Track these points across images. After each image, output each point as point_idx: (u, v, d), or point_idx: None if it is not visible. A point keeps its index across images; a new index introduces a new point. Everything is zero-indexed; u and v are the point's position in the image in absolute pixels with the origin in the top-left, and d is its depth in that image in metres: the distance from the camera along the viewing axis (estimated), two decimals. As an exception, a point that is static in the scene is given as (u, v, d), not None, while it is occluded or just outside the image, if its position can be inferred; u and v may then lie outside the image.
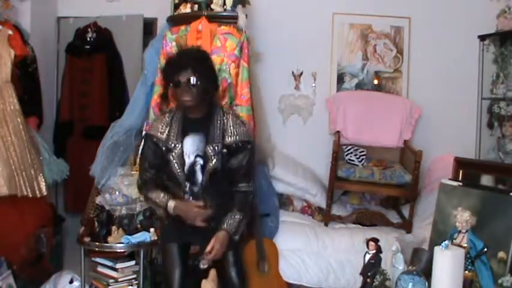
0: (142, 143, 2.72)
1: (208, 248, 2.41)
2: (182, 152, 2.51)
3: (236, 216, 2.50)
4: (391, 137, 4.03)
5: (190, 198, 2.54)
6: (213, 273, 2.45)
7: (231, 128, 2.53)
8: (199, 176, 2.52)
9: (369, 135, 4.03)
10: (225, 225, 2.47)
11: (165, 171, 2.57)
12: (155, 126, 2.59)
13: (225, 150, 2.50)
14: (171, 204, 2.49)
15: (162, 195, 2.53)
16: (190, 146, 2.52)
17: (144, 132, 3.30)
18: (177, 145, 2.51)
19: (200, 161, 2.51)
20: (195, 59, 2.52)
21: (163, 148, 2.52)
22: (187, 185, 2.53)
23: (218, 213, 2.52)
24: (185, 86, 2.45)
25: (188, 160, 2.51)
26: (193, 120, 2.55)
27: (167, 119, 2.58)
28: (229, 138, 2.51)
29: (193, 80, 2.45)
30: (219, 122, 2.54)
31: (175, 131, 2.54)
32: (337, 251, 3.50)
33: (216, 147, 2.49)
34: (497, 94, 4.04)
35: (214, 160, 2.49)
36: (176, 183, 2.54)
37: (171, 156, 2.50)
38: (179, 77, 2.45)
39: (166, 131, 2.54)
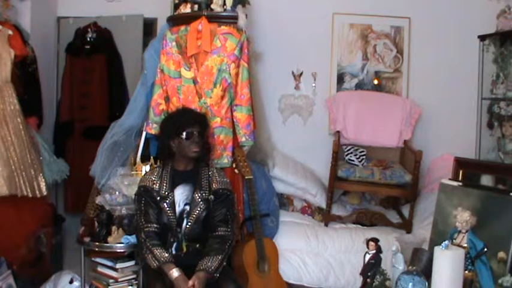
0: (136, 198, 2.81)
1: (190, 283, 2.47)
2: (173, 200, 2.71)
3: (215, 258, 2.60)
4: (391, 137, 4.03)
5: (175, 243, 2.70)
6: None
7: (217, 177, 2.81)
8: (185, 222, 2.70)
9: (369, 135, 4.03)
10: (204, 266, 2.56)
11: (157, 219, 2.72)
12: (148, 178, 2.79)
13: (212, 197, 2.74)
14: (175, 273, 2.52)
15: (166, 255, 2.59)
16: (181, 195, 2.74)
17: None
18: (170, 194, 2.72)
19: (187, 208, 2.72)
20: (202, 116, 2.91)
21: (158, 198, 2.71)
22: (178, 230, 2.69)
23: (196, 258, 2.62)
24: (195, 138, 2.73)
25: (178, 208, 2.72)
26: (182, 173, 2.79)
27: (158, 171, 2.80)
28: (216, 185, 2.78)
29: (201, 133, 2.76)
30: (205, 173, 2.80)
31: (166, 182, 2.75)
32: (337, 251, 3.51)
33: (204, 194, 2.74)
34: (497, 94, 4.04)
35: (201, 206, 2.71)
36: (167, 229, 2.69)
37: (164, 204, 2.70)
38: (191, 129, 2.73)
39: (159, 182, 2.74)
